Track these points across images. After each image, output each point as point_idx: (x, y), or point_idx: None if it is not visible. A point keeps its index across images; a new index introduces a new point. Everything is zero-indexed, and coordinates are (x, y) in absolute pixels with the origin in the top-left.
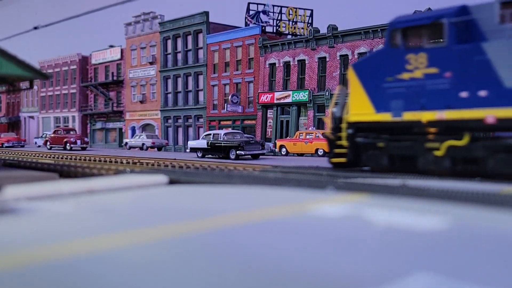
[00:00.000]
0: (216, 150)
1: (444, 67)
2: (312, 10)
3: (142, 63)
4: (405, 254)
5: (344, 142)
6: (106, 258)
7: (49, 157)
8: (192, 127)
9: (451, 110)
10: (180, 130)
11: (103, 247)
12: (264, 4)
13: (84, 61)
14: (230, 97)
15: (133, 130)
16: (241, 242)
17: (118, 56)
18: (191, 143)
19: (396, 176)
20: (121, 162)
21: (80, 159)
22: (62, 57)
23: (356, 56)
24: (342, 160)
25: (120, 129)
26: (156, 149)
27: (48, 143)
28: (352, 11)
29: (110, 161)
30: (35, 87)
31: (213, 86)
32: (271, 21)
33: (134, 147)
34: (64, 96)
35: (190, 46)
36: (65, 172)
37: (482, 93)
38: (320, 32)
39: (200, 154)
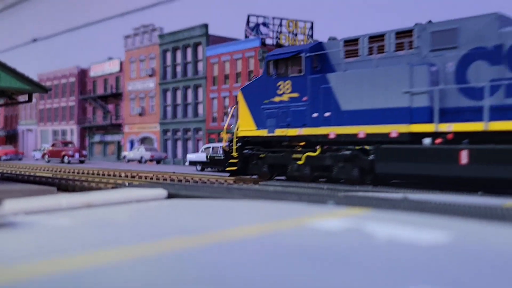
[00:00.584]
0: (215, 163)
1: (302, 92)
2: (312, 23)
3: (141, 76)
4: (406, 268)
5: (235, 154)
6: (105, 273)
7: (47, 170)
8: (191, 140)
9: (307, 128)
10: (179, 143)
11: (102, 262)
12: (264, 17)
13: (83, 73)
14: (229, 109)
15: (132, 143)
16: (241, 257)
17: (117, 69)
18: (190, 156)
19: (397, 190)
20: (120, 176)
21: (78, 173)
22: (61, 69)
23: None
24: (233, 168)
25: (119, 142)
26: (155, 162)
27: (46, 156)
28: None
29: (109, 175)
30: (34, 100)
31: (213, 98)
32: (271, 33)
33: (133, 160)
34: (63, 109)
35: (189, 59)
36: (63, 186)
37: (327, 114)
38: None
39: (199, 168)
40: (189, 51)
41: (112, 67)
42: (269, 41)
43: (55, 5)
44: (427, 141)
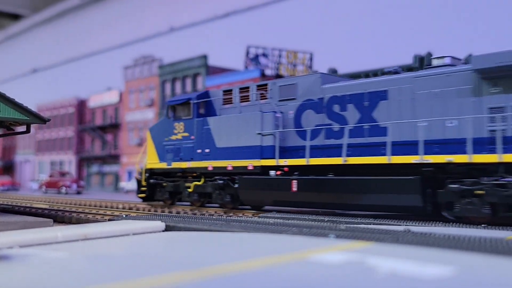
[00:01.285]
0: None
1: (191, 132)
2: (311, 54)
3: (140, 106)
4: None
5: (143, 183)
6: None
7: (44, 201)
8: None
9: (194, 161)
10: None
11: None
12: (264, 47)
13: (82, 104)
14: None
15: (130, 173)
16: None
17: (116, 99)
18: None
19: (398, 222)
20: (117, 207)
21: (75, 204)
22: (60, 100)
23: None
24: (143, 195)
25: (117, 172)
26: None
27: (44, 187)
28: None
29: (106, 206)
30: (32, 130)
31: None
32: (270, 64)
33: (131, 191)
34: (61, 139)
35: (188, 89)
36: (59, 218)
37: (207, 150)
38: None
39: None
40: (188, 81)
41: (111, 97)
42: (268, 72)
43: (55, 36)
44: (272, 172)
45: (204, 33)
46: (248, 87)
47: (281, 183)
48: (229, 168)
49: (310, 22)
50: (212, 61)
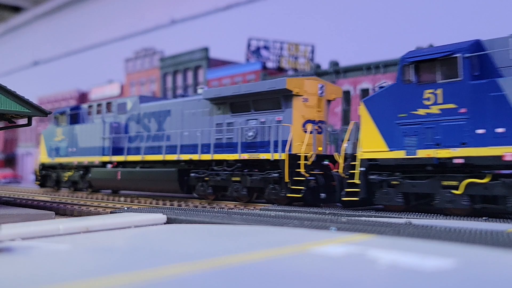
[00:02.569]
0: None
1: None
2: (313, 46)
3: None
4: None
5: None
6: None
7: (45, 194)
8: None
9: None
10: None
11: None
12: (265, 40)
13: (83, 96)
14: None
15: None
16: (242, 285)
17: (118, 92)
18: None
19: (399, 215)
20: (119, 200)
21: (76, 197)
22: (61, 92)
23: (358, 92)
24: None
25: None
26: None
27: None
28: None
29: (107, 199)
30: (34, 123)
31: None
32: (272, 57)
33: None
34: None
35: (190, 82)
36: (61, 210)
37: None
38: (322, 68)
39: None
40: (190, 74)
41: (113, 90)
42: (270, 65)
43: (56, 28)
44: (108, 165)
45: (205, 25)
46: (101, 104)
47: (112, 172)
48: (85, 163)
49: (311, 14)
50: (214, 54)
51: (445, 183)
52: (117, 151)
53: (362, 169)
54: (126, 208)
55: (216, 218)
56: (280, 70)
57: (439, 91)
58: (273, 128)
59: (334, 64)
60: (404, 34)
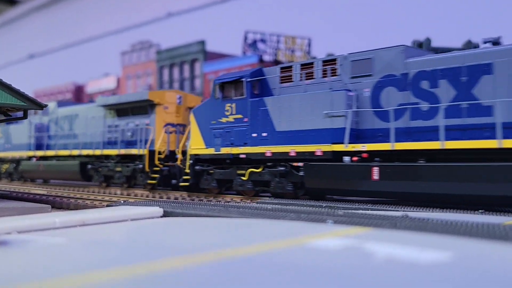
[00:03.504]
0: None
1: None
2: (310, 39)
3: (137, 92)
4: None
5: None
6: None
7: (42, 187)
8: None
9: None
10: None
11: (95, 282)
12: (262, 33)
13: (80, 89)
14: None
15: None
16: (238, 278)
17: (114, 85)
18: None
19: (396, 208)
20: (115, 193)
21: (73, 190)
22: (57, 85)
23: None
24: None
25: None
26: None
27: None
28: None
29: (104, 192)
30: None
31: None
32: (268, 50)
33: None
34: None
35: (186, 75)
36: (57, 204)
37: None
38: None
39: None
40: (186, 67)
41: (109, 83)
42: (266, 58)
43: (52, 21)
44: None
45: (202, 18)
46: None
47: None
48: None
49: (308, 7)
50: (210, 47)
51: (238, 171)
52: (40, 147)
53: (191, 161)
54: (122, 202)
55: (212, 212)
56: (276, 63)
57: (233, 105)
58: (140, 130)
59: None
60: (401, 26)
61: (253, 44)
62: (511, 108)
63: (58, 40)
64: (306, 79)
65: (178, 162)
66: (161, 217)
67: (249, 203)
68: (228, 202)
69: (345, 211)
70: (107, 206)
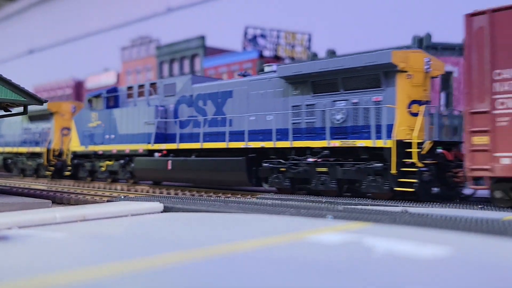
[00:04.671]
0: None
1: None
2: (310, 35)
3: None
4: (406, 283)
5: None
6: None
7: (42, 183)
8: None
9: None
10: None
11: (96, 277)
12: (262, 28)
13: (79, 85)
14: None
15: None
16: (239, 272)
17: (114, 80)
18: None
19: (395, 203)
20: (115, 189)
21: (73, 185)
22: (57, 81)
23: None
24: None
25: None
26: None
27: None
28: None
29: (104, 188)
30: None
31: None
32: (268, 45)
33: None
34: None
35: (186, 70)
36: (58, 199)
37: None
38: (318, 57)
39: None
40: (186, 62)
41: (109, 78)
42: (266, 53)
43: (51, 17)
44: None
45: (202, 13)
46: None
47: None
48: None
49: (309, 2)
50: (210, 42)
51: (100, 164)
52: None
53: (72, 156)
54: (122, 197)
55: (213, 207)
56: (277, 59)
57: (96, 114)
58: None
59: (331, 52)
60: (402, 21)
61: (253, 40)
62: (241, 121)
63: (58, 35)
64: (139, 96)
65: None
66: (162, 212)
67: (249, 198)
68: (228, 197)
69: (345, 206)
70: (108, 201)
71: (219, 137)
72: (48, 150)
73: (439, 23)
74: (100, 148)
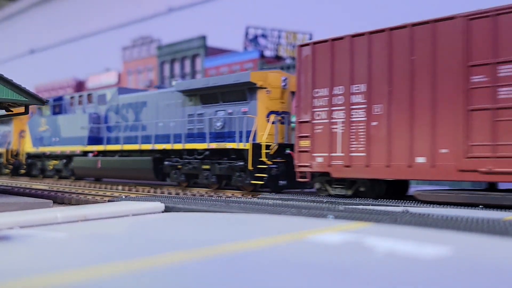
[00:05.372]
0: None
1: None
2: (311, 34)
3: (138, 87)
4: (407, 282)
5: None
6: None
7: (43, 183)
8: None
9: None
10: None
11: (97, 276)
12: (263, 28)
13: (80, 85)
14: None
15: None
16: (240, 272)
17: (115, 80)
18: None
19: (396, 203)
20: (116, 188)
21: (74, 185)
22: (58, 81)
23: None
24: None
25: None
26: None
27: None
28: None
29: (105, 188)
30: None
31: None
32: (269, 45)
33: None
34: None
35: (187, 70)
36: (59, 199)
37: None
38: None
39: None
40: (187, 62)
41: (110, 78)
42: (267, 53)
43: (52, 16)
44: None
45: (203, 14)
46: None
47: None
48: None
49: (309, 2)
50: (211, 42)
51: (48, 163)
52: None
53: (26, 156)
54: (124, 197)
55: (214, 207)
56: (278, 59)
57: (45, 119)
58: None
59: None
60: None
61: (254, 40)
62: (151, 126)
63: (59, 35)
64: (79, 104)
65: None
66: (163, 212)
67: (250, 198)
68: (229, 197)
69: (346, 206)
70: (109, 201)
71: (136, 140)
72: (7, 151)
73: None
74: (47, 149)
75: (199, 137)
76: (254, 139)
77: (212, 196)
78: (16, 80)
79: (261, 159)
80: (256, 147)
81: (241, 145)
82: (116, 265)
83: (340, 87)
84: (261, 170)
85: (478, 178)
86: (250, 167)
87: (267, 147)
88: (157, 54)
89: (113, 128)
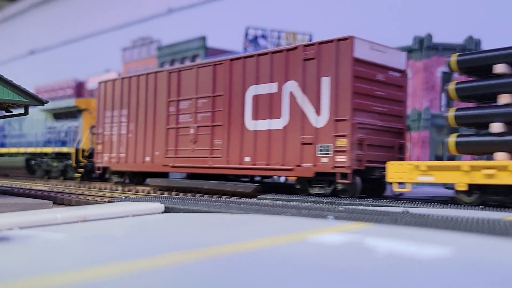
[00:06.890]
0: None
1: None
2: (311, 35)
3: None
4: (407, 283)
5: None
6: None
7: (43, 183)
8: None
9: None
10: None
11: (97, 278)
12: (262, 29)
13: (80, 86)
14: None
15: None
16: (241, 273)
17: None
18: None
19: (396, 203)
20: (116, 189)
21: (74, 186)
22: (58, 81)
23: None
24: None
25: None
26: None
27: None
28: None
29: (105, 188)
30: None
31: None
32: (269, 46)
33: None
34: None
35: None
36: (59, 200)
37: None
38: None
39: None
40: (187, 63)
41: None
42: None
43: (52, 17)
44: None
45: (203, 14)
46: None
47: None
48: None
49: (309, 3)
50: (211, 43)
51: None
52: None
53: None
54: (123, 198)
55: (213, 207)
56: None
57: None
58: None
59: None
60: (404, 21)
61: (254, 40)
62: (24, 136)
63: (59, 36)
64: None
65: None
66: (162, 213)
67: (251, 198)
68: (229, 198)
69: (346, 207)
70: (109, 202)
71: (20, 144)
72: (77, 150)
73: (441, 23)
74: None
75: (52, 143)
76: (78, 145)
77: (211, 197)
78: (16, 81)
79: (80, 159)
80: (78, 150)
81: (70, 150)
82: (116, 266)
83: (116, 110)
84: (81, 166)
85: (170, 170)
86: (73, 164)
87: (83, 151)
88: (157, 55)
89: (8, 135)
